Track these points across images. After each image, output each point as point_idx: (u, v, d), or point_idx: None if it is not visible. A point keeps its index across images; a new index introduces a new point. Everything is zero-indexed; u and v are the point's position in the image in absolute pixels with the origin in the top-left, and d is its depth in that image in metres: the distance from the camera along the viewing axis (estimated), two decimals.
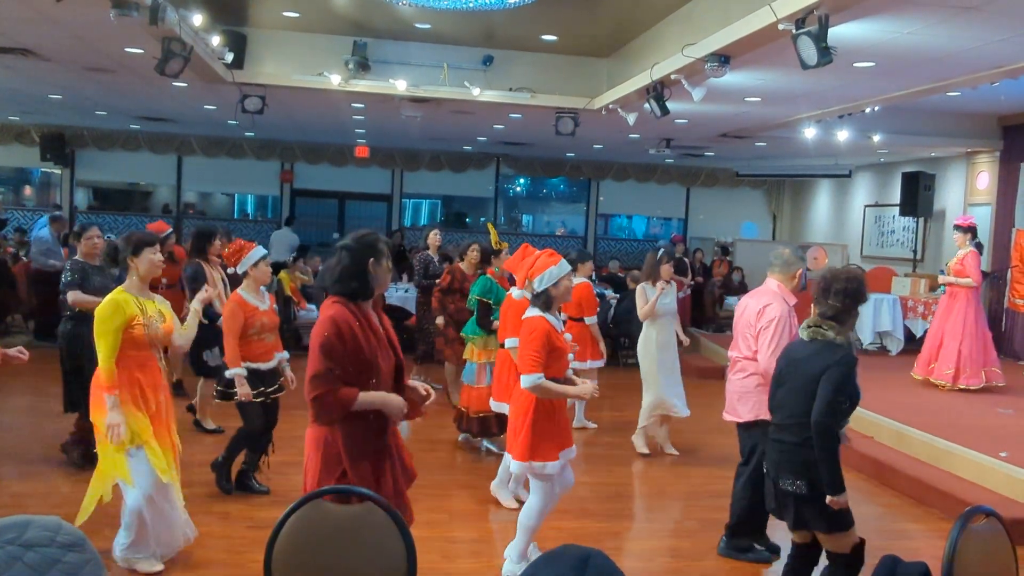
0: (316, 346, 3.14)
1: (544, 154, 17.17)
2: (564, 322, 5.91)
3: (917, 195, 12.33)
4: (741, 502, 4.90)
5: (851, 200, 15.94)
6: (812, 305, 3.81)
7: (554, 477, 4.34)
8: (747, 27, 6.23)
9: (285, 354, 5.66)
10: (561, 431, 4.35)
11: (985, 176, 12.08)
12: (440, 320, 7.99)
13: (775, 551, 4.89)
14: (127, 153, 16.56)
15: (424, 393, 3.49)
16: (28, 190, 18.71)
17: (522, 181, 20.11)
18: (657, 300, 6.85)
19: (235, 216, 18.95)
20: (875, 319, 11.11)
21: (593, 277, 8.28)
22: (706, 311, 14.25)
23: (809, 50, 5.60)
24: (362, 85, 9.67)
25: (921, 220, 13.10)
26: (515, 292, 5.84)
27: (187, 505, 4.65)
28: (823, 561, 3.84)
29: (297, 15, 9.15)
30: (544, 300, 4.26)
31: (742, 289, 13.55)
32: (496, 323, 6.46)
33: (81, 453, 5.91)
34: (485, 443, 6.95)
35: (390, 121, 12.42)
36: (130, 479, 4.17)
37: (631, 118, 9.64)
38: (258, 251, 5.57)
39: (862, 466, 6.70)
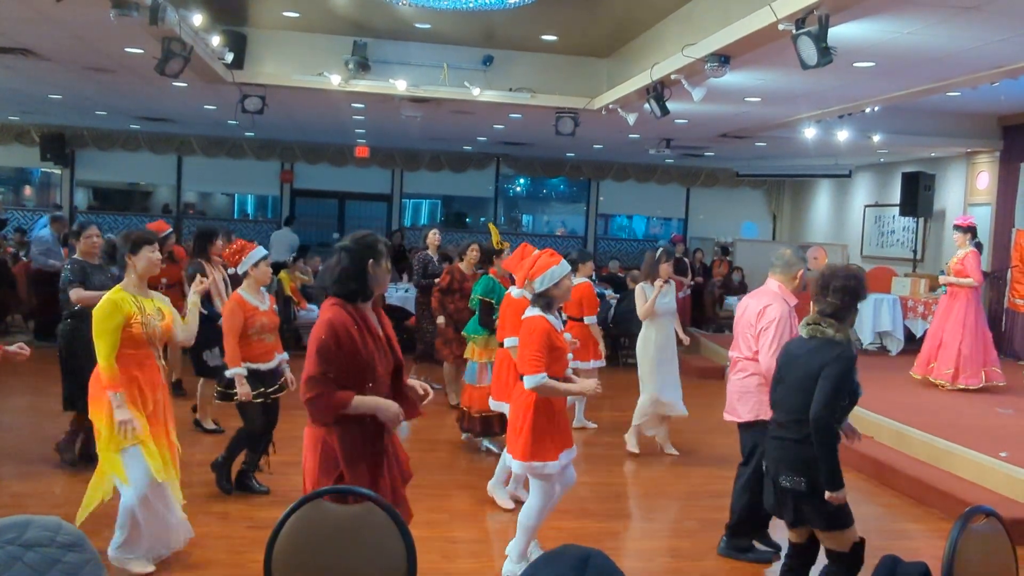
0: (312, 349, 3.15)
1: (544, 154, 17.17)
2: (564, 322, 5.92)
3: (917, 195, 12.34)
4: (741, 502, 4.90)
5: (851, 200, 15.94)
6: (811, 303, 3.82)
7: (554, 477, 4.34)
8: (747, 27, 6.23)
9: (285, 355, 5.66)
10: (561, 431, 4.35)
11: (985, 176, 12.09)
12: (441, 320, 8.00)
13: (777, 549, 4.89)
14: (127, 153, 16.57)
15: (422, 392, 3.49)
16: (28, 190, 18.72)
17: (522, 181, 20.11)
18: (656, 299, 6.85)
19: (235, 216, 18.95)
20: (875, 319, 11.11)
21: (593, 277, 8.28)
22: (706, 311, 14.25)
23: (809, 50, 5.60)
24: (362, 85, 9.67)
25: (921, 220, 13.10)
26: (514, 291, 5.84)
27: (187, 505, 4.66)
28: (821, 561, 3.84)
29: (297, 15, 9.15)
30: (545, 300, 4.26)
31: (742, 289, 13.55)
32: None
33: (79, 452, 5.92)
34: (485, 443, 6.95)
35: (390, 121, 12.42)
36: (125, 477, 4.17)
37: (631, 118, 9.64)
38: (258, 251, 5.57)
39: (862, 466, 6.70)
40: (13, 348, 4.17)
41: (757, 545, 4.99)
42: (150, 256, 4.35)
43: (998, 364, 8.82)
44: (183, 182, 17.39)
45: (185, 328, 4.56)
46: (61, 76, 10.08)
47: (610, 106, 9.81)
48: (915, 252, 13.25)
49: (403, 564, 2.53)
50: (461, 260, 8.19)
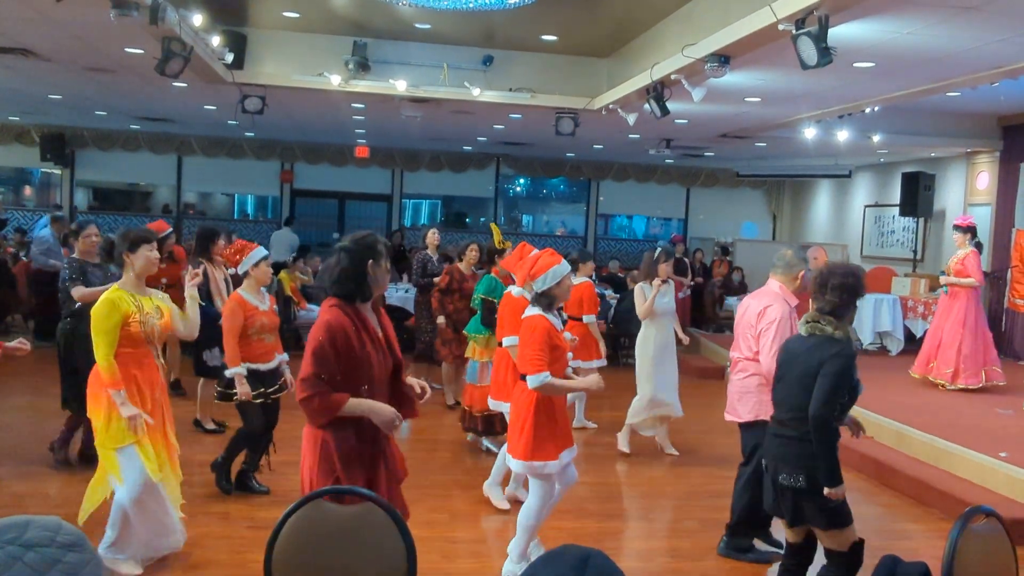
0: (309, 350, 3.15)
1: (544, 154, 17.17)
2: (565, 322, 5.92)
3: (917, 195, 12.34)
4: (741, 502, 4.90)
5: (851, 200, 15.94)
6: (810, 301, 3.82)
7: (554, 477, 4.35)
8: (747, 27, 6.24)
9: (284, 355, 5.66)
10: (562, 430, 4.36)
11: (985, 176, 12.09)
12: (441, 320, 8.00)
13: (780, 547, 4.88)
14: (127, 153, 16.57)
15: (419, 391, 3.48)
16: (28, 190, 18.72)
17: (522, 181, 20.11)
18: (655, 299, 6.85)
19: (235, 216, 18.95)
20: (875, 319, 11.11)
21: (593, 277, 8.28)
22: (706, 311, 14.25)
23: (809, 50, 5.60)
24: (362, 85, 9.67)
25: (921, 220, 13.10)
26: (515, 290, 5.84)
27: (187, 505, 4.66)
28: (819, 562, 3.84)
29: (297, 15, 9.15)
30: (547, 300, 4.27)
31: (742, 289, 13.55)
32: None
33: (79, 452, 5.95)
34: (485, 442, 6.95)
35: (390, 121, 12.42)
36: (120, 476, 4.15)
37: (631, 118, 9.64)
38: (259, 251, 5.57)
39: (862, 466, 6.70)
40: (13, 344, 4.17)
41: (759, 544, 4.99)
42: (148, 255, 4.34)
43: (998, 364, 8.82)
44: (183, 182, 17.40)
45: (186, 322, 4.55)
46: (61, 76, 10.09)
47: (610, 106, 9.81)
48: (915, 252, 13.25)
49: (403, 564, 2.53)
50: (460, 260, 8.20)
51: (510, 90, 9.98)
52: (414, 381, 3.52)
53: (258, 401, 5.43)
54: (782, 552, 4.21)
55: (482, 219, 18.77)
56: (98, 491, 4.28)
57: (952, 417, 7.42)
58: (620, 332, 11.15)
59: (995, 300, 11.44)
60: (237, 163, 16.94)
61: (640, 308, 6.93)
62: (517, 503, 5.34)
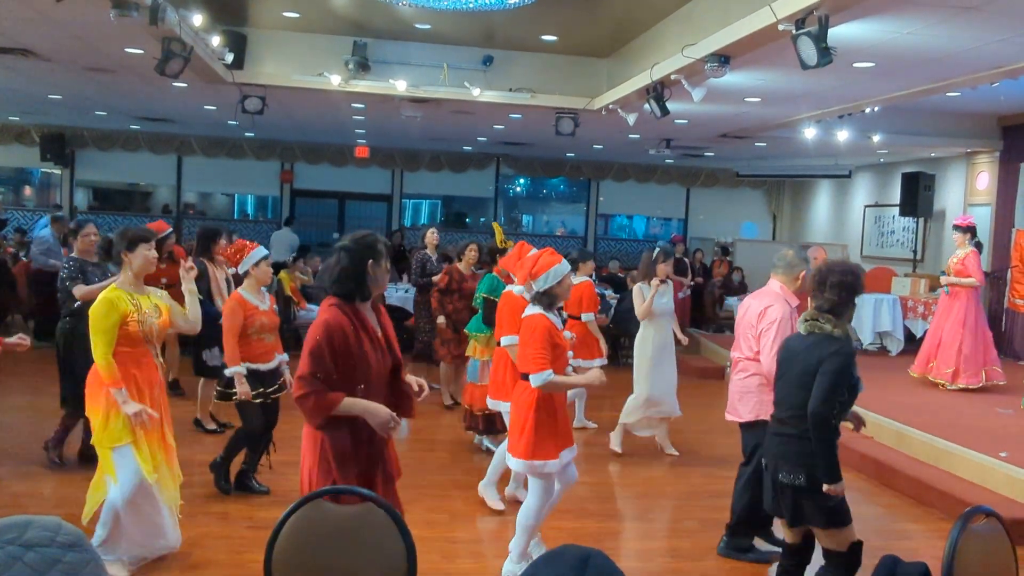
0: (306, 349, 3.16)
1: (544, 154, 17.17)
2: (564, 321, 5.92)
3: (917, 195, 12.34)
4: (742, 501, 4.90)
5: (851, 200, 15.94)
6: (809, 299, 3.82)
7: (554, 476, 4.35)
8: (747, 27, 6.23)
9: (284, 356, 5.66)
10: (562, 429, 4.36)
11: (985, 176, 12.09)
12: (441, 320, 8.00)
13: (781, 546, 4.88)
14: (127, 153, 16.57)
15: (417, 388, 3.47)
16: (28, 190, 18.72)
17: (522, 181, 20.12)
18: (653, 299, 6.84)
19: (235, 216, 18.95)
20: (875, 319, 11.11)
21: (593, 276, 8.29)
22: (706, 311, 14.25)
23: (809, 50, 5.60)
24: (362, 85, 9.67)
25: (921, 220, 13.10)
26: (516, 289, 5.83)
27: (186, 505, 4.65)
28: (817, 563, 3.84)
29: (297, 15, 9.15)
30: (548, 299, 4.27)
31: (742, 289, 13.55)
32: None
33: (79, 452, 5.95)
34: (485, 442, 6.95)
35: (390, 121, 12.42)
36: (115, 475, 4.14)
37: (631, 118, 9.64)
38: (259, 251, 5.58)
39: (862, 466, 6.70)
40: (13, 340, 4.16)
41: (760, 543, 4.99)
42: (146, 254, 4.34)
43: (998, 363, 8.82)
44: (183, 182, 17.40)
45: (187, 318, 4.55)
46: (61, 76, 10.09)
47: (610, 106, 9.81)
48: (915, 252, 13.25)
49: (403, 564, 2.53)
50: (459, 260, 8.19)
51: (510, 90, 9.98)
52: (413, 379, 3.52)
53: (257, 401, 5.42)
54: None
55: (482, 219, 18.77)
56: (99, 491, 4.27)
57: (952, 417, 7.42)
58: (620, 332, 11.14)
59: (995, 300, 11.44)
60: (237, 163, 16.94)
61: (638, 308, 6.92)
62: (517, 503, 5.34)
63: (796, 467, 3.62)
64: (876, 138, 11.29)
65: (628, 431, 7.13)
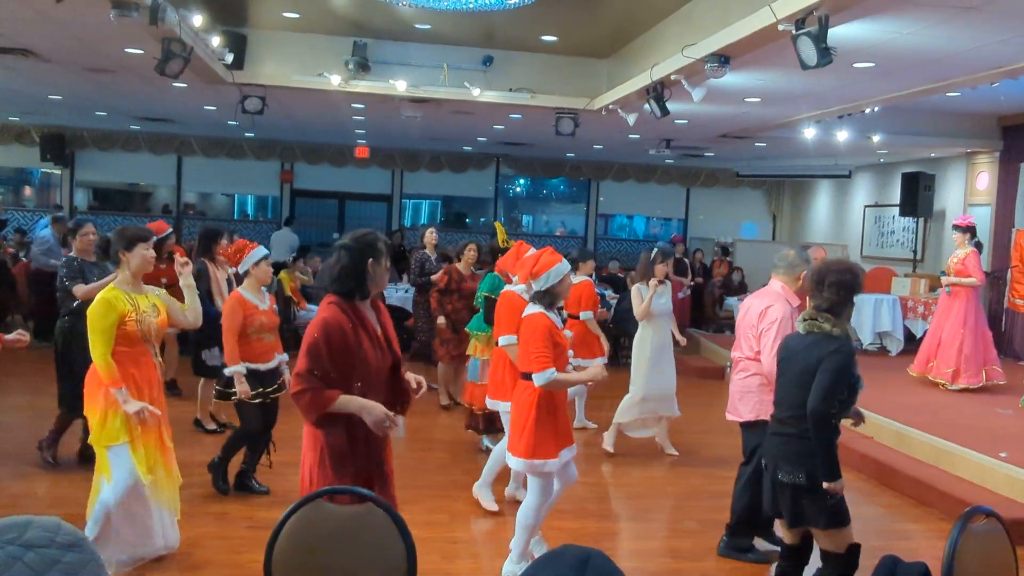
0: (304, 346, 3.16)
1: (544, 154, 17.17)
2: (564, 320, 5.91)
3: (917, 195, 12.34)
4: (742, 501, 4.90)
5: (851, 200, 15.94)
6: (807, 298, 3.82)
7: (553, 475, 4.35)
8: (747, 27, 6.23)
9: (284, 356, 5.66)
10: (562, 428, 4.36)
11: (985, 176, 12.09)
12: (441, 320, 8.00)
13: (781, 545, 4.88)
14: (127, 153, 16.57)
15: (415, 385, 3.47)
16: (28, 190, 18.72)
17: (522, 181, 20.12)
18: (652, 300, 6.84)
19: (235, 216, 18.95)
20: (875, 319, 11.11)
21: (593, 276, 8.29)
22: (706, 311, 14.25)
23: (809, 50, 5.60)
24: (362, 86, 9.67)
25: (921, 220, 13.10)
26: (516, 289, 5.83)
27: (185, 506, 4.64)
28: (815, 564, 3.83)
29: (297, 15, 9.15)
30: (549, 298, 4.27)
31: (742, 289, 13.55)
32: None
33: (78, 452, 5.94)
34: (485, 441, 6.95)
35: (390, 121, 12.42)
36: (109, 474, 4.14)
37: (631, 118, 9.64)
38: (259, 251, 5.57)
39: (862, 466, 6.70)
40: (12, 336, 4.16)
41: (761, 543, 4.99)
42: (144, 254, 4.34)
43: (998, 363, 8.82)
44: (183, 182, 17.40)
45: (188, 314, 4.54)
46: (61, 77, 10.09)
47: (610, 106, 9.81)
48: (915, 252, 13.25)
49: (403, 564, 2.53)
50: (459, 260, 8.19)
51: (510, 90, 9.98)
52: (412, 376, 3.51)
53: (256, 401, 5.42)
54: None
55: (482, 219, 18.77)
56: (99, 491, 4.27)
57: (952, 417, 7.42)
58: (620, 332, 11.14)
59: (995, 300, 11.44)
60: (237, 163, 16.94)
61: (637, 309, 6.92)
62: (516, 503, 5.34)
63: (796, 466, 3.62)
64: (876, 138, 11.29)
65: (621, 431, 7.13)
